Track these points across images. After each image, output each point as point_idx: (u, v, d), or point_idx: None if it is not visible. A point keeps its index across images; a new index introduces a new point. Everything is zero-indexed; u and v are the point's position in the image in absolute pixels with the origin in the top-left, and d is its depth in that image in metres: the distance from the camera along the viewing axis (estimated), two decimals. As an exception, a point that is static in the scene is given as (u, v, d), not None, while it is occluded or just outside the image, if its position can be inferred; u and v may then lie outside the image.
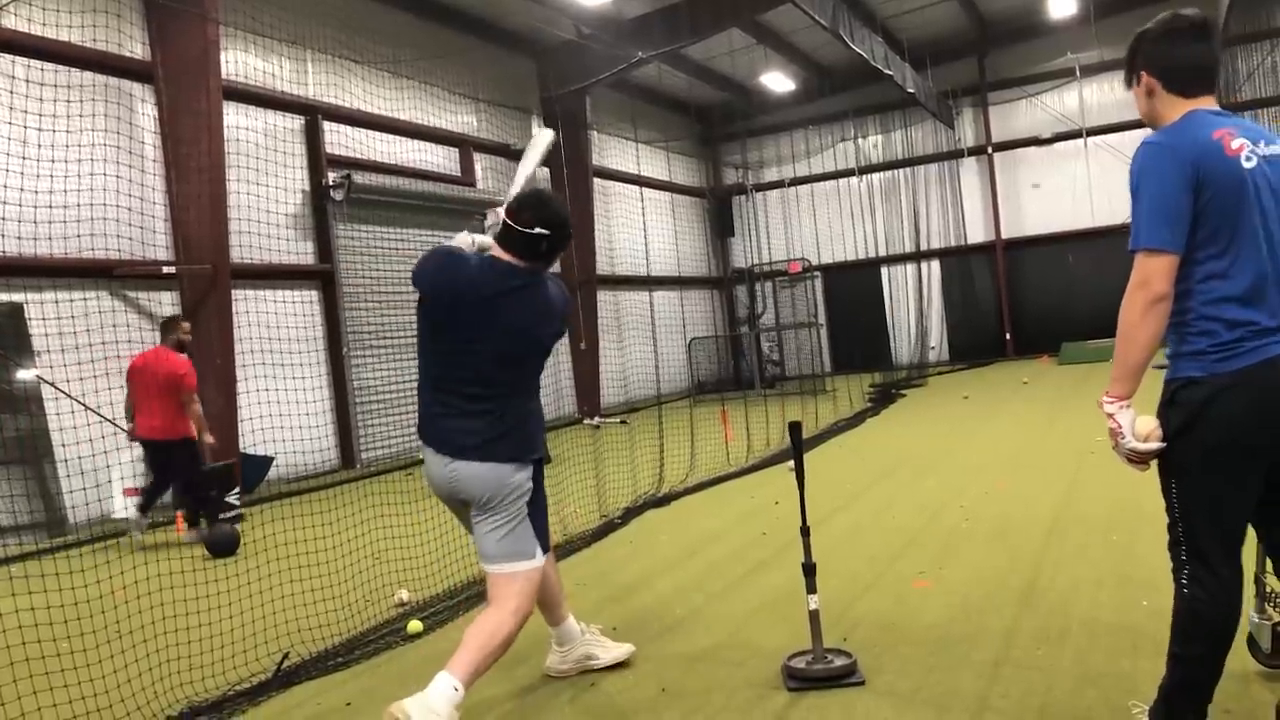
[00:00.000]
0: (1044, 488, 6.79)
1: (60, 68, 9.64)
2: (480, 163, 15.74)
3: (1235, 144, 2.49)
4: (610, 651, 3.95)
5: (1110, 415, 2.58)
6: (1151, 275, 2.46)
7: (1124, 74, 2.78)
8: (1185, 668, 2.59)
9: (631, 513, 7.34)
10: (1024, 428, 10.31)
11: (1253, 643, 3.25)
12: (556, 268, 17.05)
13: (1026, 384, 15.08)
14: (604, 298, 18.32)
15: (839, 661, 3.61)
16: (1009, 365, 19.50)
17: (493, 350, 3.36)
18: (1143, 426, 2.57)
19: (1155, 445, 2.55)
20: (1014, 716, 3.11)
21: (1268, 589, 3.24)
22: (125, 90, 10.43)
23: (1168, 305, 2.49)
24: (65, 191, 9.22)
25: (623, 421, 15.03)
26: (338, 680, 4.17)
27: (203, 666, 4.30)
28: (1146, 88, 2.66)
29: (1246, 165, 2.49)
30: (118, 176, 9.68)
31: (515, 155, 16.50)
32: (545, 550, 3.45)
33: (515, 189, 3.58)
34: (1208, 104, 2.61)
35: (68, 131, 9.43)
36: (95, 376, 9.10)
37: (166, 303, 10.59)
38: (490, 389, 3.39)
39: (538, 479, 3.49)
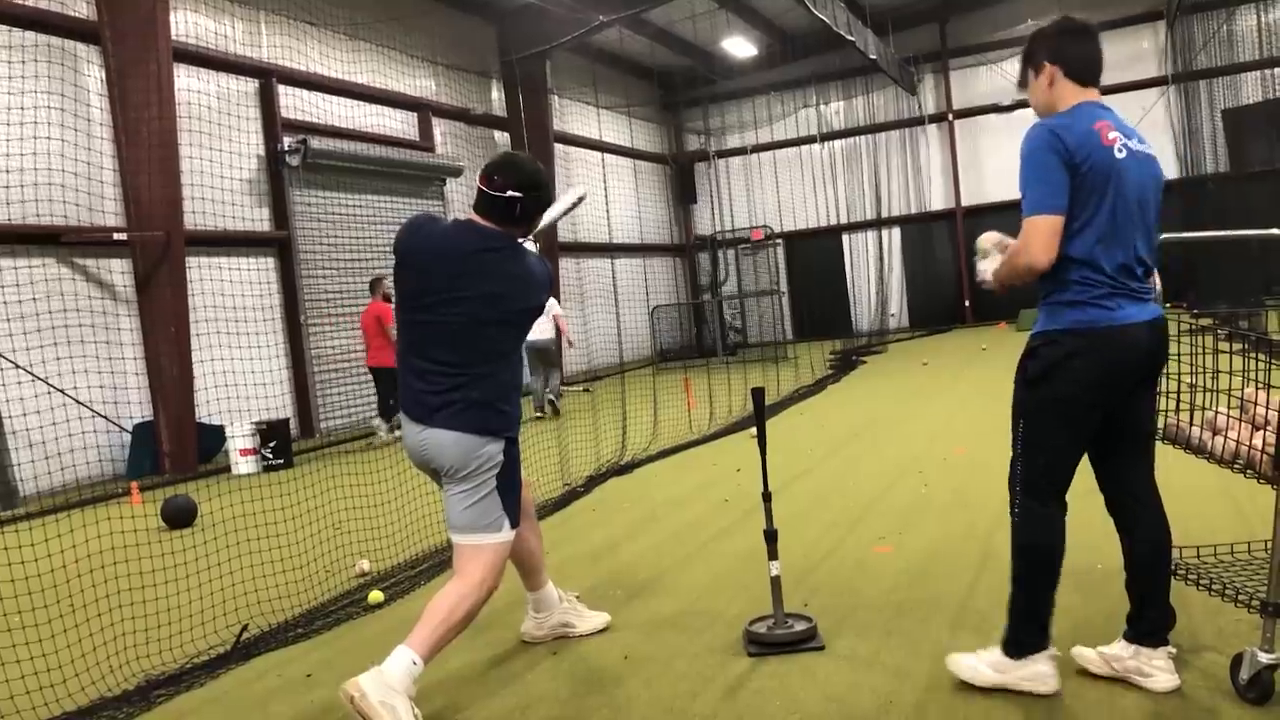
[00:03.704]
0: (1002, 453, 6.83)
1: (2, 27, 9.34)
2: (439, 127, 15.52)
3: (1111, 135, 2.81)
4: (587, 621, 3.95)
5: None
6: (1035, 241, 2.79)
7: (1021, 71, 3.10)
8: (1019, 590, 2.96)
9: (594, 480, 7.34)
10: (982, 394, 10.43)
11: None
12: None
13: (985, 350, 15.25)
14: (566, 265, 18.22)
15: (799, 626, 3.64)
16: (968, 332, 19.72)
17: (465, 315, 3.26)
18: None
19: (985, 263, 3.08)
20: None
21: (1178, 567, 3.18)
22: (70, 51, 10.13)
23: (1041, 272, 2.82)
24: (8, 155, 8.98)
25: (586, 389, 15.01)
26: (298, 652, 4.14)
27: (160, 639, 4.24)
28: (1049, 77, 2.96)
29: (1118, 156, 2.80)
30: (64, 140, 9.42)
31: (475, 119, 16.31)
32: (514, 525, 3.38)
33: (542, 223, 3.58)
34: (1094, 95, 2.94)
35: (9, 94, 9.16)
36: (44, 346, 8.93)
37: (118, 270, 10.38)
38: (461, 356, 3.29)
39: (511, 455, 3.38)
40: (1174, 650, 2.95)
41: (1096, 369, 2.79)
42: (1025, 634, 2.95)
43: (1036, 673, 2.93)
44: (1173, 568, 3.05)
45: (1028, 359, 2.92)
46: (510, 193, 3.31)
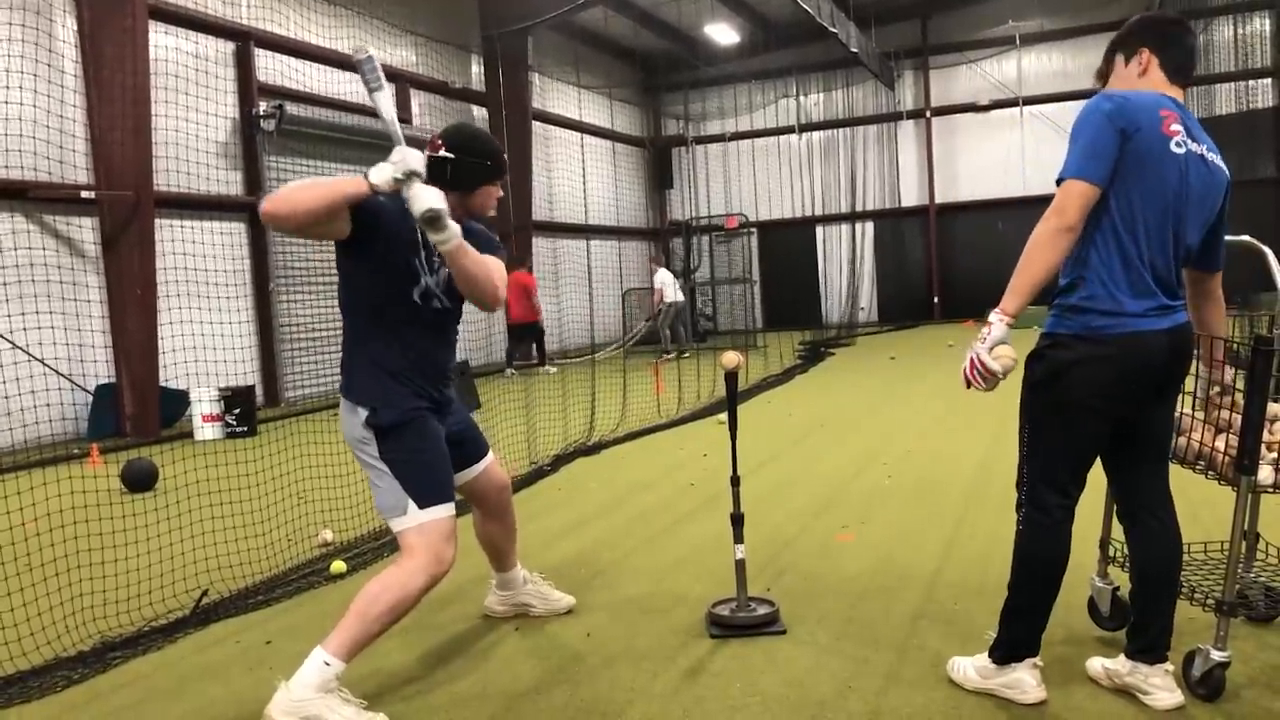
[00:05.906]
0: (965, 447, 6.95)
1: (-27, -25, 9.15)
2: (417, 99, 15.37)
3: (1174, 127, 2.62)
4: (548, 604, 3.93)
5: (989, 323, 2.73)
6: (1068, 202, 2.57)
7: (1106, 59, 2.87)
8: (1015, 596, 2.88)
9: (561, 460, 7.34)
10: (948, 389, 10.52)
11: (1093, 606, 3.39)
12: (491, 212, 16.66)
13: (951, 347, 15.38)
14: (541, 244, 18.14)
15: (762, 610, 3.67)
16: (935, 328, 19.87)
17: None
18: (1002, 350, 2.69)
19: (997, 367, 2.69)
20: (930, 667, 3.19)
21: (1112, 552, 3.34)
22: (45, 1, 9.91)
23: (1074, 237, 2.60)
24: (-24, 107, 8.78)
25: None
26: (258, 619, 4.12)
27: (117, 601, 4.19)
28: (1143, 65, 2.76)
29: (1174, 150, 2.61)
30: (35, 91, 9.23)
31: (453, 94, 16.17)
32: (430, 504, 3.11)
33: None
34: (1177, 94, 2.75)
35: (-21, 44, 8.96)
36: (7, 300, 8.78)
37: (86, 228, 10.21)
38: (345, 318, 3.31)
39: (410, 433, 3.16)
40: (1171, 668, 2.83)
41: (1105, 377, 2.65)
42: (1012, 641, 2.89)
43: (1016, 680, 2.87)
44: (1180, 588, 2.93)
45: (1033, 361, 2.78)
46: (442, 152, 3.21)
